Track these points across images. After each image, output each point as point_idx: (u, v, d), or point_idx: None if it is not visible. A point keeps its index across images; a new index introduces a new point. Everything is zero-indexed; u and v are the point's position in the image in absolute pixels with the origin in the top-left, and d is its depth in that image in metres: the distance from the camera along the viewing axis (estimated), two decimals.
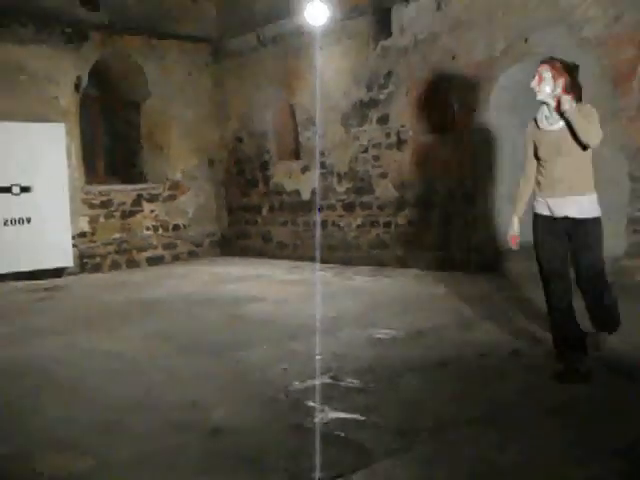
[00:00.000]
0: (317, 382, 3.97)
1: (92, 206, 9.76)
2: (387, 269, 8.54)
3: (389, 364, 4.30)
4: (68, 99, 9.45)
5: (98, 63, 9.80)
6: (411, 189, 8.49)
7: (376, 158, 8.89)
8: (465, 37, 7.73)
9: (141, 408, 3.68)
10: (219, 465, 2.92)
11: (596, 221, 3.86)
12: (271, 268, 9.27)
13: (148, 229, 10.42)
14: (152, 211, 10.46)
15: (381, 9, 8.59)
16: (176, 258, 10.70)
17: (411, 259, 8.49)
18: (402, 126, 8.55)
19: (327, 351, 4.62)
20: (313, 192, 9.75)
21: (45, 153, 9.01)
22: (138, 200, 10.30)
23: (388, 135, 8.73)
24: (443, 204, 8.12)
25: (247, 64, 10.54)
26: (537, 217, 4.00)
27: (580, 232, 3.84)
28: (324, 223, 9.59)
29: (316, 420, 3.36)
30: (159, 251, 10.53)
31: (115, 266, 9.97)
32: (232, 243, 11.28)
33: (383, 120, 8.76)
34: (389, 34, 8.57)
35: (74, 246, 9.42)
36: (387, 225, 8.84)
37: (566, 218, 3.88)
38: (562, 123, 3.84)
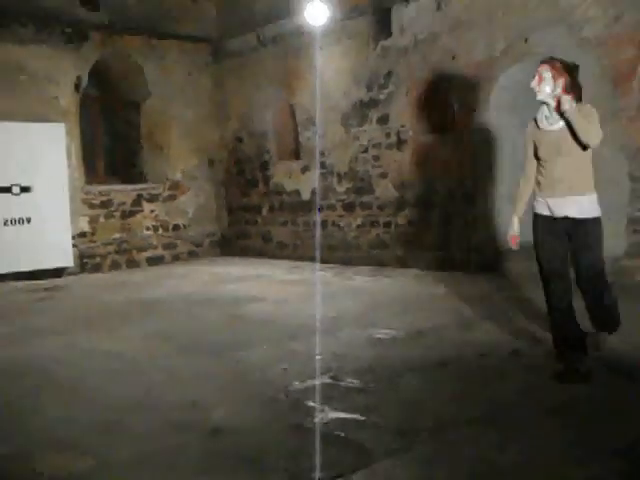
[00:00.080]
0: (317, 382, 3.97)
1: (92, 206, 9.76)
2: (387, 269, 8.54)
3: (389, 364, 4.30)
4: (68, 99, 9.45)
5: (98, 63, 9.80)
6: (411, 189, 8.49)
7: (376, 158, 8.89)
8: (465, 37, 7.73)
9: (141, 408, 3.68)
10: (219, 465, 2.92)
11: (596, 221, 3.86)
12: (271, 268, 9.27)
13: (148, 229, 10.43)
14: (152, 211, 10.47)
15: (381, 9, 8.60)
16: (176, 258, 10.70)
17: (411, 259, 8.49)
18: (402, 126, 8.56)
19: (327, 351, 4.62)
20: (313, 192, 9.75)
21: (45, 153, 9.01)
22: (138, 200, 10.30)
23: (388, 135, 8.73)
24: (443, 204, 8.12)
25: (247, 64, 10.54)
26: (537, 217, 4.00)
27: (580, 232, 3.84)
28: (324, 223, 9.59)
29: (316, 420, 3.36)
30: (159, 251, 10.53)
31: (115, 266, 9.97)
32: (232, 243, 11.28)
33: (383, 120, 8.76)
34: (389, 34, 8.57)
35: (74, 246, 9.43)
36: (387, 225, 8.83)
37: (566, 218, 3.87)
38: (562, 123, 3.83)
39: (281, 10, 9.60)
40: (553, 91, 3.82)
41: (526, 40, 7.12)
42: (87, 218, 9.70)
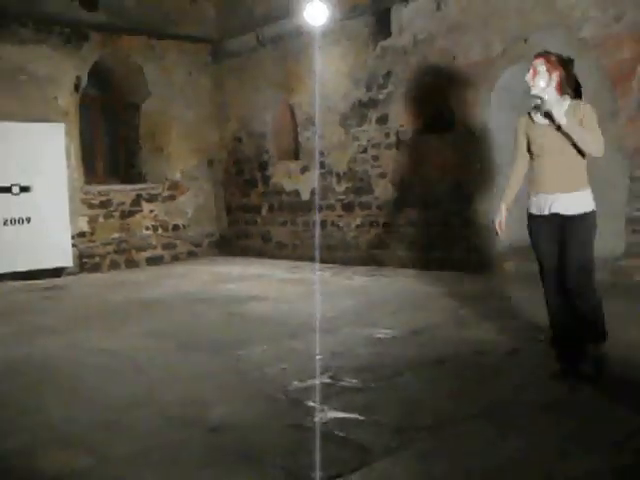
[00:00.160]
0: (316, 381, 3.98)
1: (91, 206, 9.78)
2: (386, 269, 8.56)
3: (388, 363, 4.32)
4: (68, 99, 9.47)
5: (98, 63, 9.82)
6: (410, 189, 8.51)
7: (375, 158, 8.91)
8: (464, 37, 7.75)
9: (141, 406, 3.69)
10: (218, 462, 2.93)
11: (586, 216, 3.78)
12: (271, 268, 9.29)
13: (147, 229, 10.44)
14: (151, 211, 10.48)
15: (380, 9, 8.61)
16: (175, 258, 10.71)
17: (410, 259, 8.50)
18: (401, 126, 8.57)
19: (326, 350, 4.63)
20: (312, 192, 9.76)
21: (45, 153, 9.03)
22: (137, 200, 10.32)
23: (387, 135, 8.74)
24: (442, 204, 8.13)
25: (247, 64, 10.55)
26: (531, 217, 3.95)
27: (568, 227, 3.77)
28: (323, 223, 9.60)
29: (315, 419, 3.37)
30: (158, 251, 10.54)
31: (114, 266, 9.98)
32: (231, 243, 11.29)
33: (382, 120, 8.78)
34: (388, 34, 8.59)
35: (73, 246, 9.44)
36: (386, 225, 8.85)
37: (557, 215, 3.84)
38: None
39: (280, 10, 9.62)
40: (548, 85, 3.80)
41: (525, 41, 7.12)
42: (86, 218, 9.71)
